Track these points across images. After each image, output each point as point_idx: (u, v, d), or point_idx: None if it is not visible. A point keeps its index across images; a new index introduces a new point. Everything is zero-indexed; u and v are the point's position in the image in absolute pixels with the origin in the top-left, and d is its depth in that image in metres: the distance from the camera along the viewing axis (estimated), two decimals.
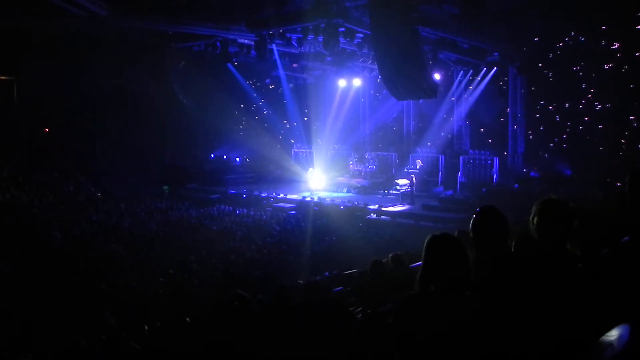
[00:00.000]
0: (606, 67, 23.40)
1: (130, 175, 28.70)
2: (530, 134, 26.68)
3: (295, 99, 32.21)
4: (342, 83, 30.48)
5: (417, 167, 27.66)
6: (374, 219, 23.03)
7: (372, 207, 23.95)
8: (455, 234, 3.55)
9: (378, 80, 26.65)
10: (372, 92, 32.51)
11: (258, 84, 33.08)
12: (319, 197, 26.28)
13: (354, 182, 28.41)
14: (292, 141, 34.19)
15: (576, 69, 24.33)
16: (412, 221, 21.96)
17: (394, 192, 26.19)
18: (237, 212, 23.77)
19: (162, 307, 10.68)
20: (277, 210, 24.84)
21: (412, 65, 17.12)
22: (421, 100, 26.80)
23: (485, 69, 26.10)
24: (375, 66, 21.35)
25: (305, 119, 33.11)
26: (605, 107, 23.53)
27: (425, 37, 21.08)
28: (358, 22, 20.45)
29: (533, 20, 22.22)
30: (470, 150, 27.79)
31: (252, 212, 23.48)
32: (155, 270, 14.79)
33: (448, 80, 27.52)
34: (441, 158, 28.05)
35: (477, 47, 23.86)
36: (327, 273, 12.92)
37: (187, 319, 6.02)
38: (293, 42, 22.98)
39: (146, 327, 7.42)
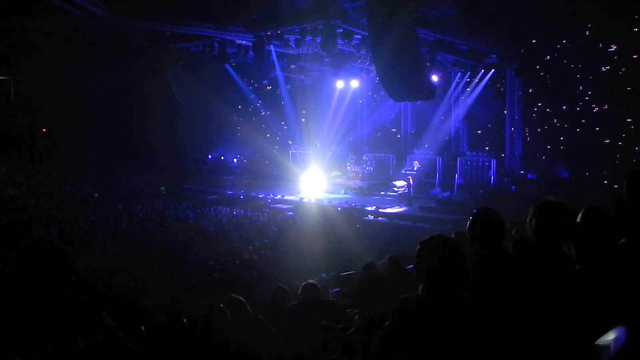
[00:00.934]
0: (604, 69, 23.47)
1: (128, 175, 28.69)
2: (527, 136, 26.74)
3: (292, 100, 32.19)
4: (339, 84, 30.47)
5: (415, 168, 27.70)
6: (372, 220, 23.05)
7: (369, 208, 23.97)
8: (453, 235, 3.55)
9: (376, 81, 26.65)
10: (369, 93, 32.56)
11: (256, 85, 33.09)
12: (316, 199, 26.26)
13: (352, 183, 28.43)
14: (290, 142, 34.18)
15: (574, 71, 24.39)
16: (409, 223, 21.97)
17: (391, 193, 26.21)
18: (235, 213, 23.74)
19: (159, 308, 10.66)
20: (274, 212, 24.83)
21: (410, 66, 17.11)
22: (419, 102, 26.82)
23: (483, 70, 26.12)
24: (373, 67, 21.33)
25: (303, 120, 33.10)
26: (602, 109, 23.58)
27: (423, 38, 21.10)
28: (356, 24, 20.46)
29: (531, 22, 22.26)
30: (468, 152, 27.81)
31: (249, 213, 23.45)
32: (152, 271, 14.75)
33: (446, 82, 27.53)
34: (439, 160, 28.07)
35: (475, 49, 23.91)
36: (324, 274, 12.92)
37: (184, 320, 6.01)
38: (291, 43, 22.98)
39: (143, 327, 7.41)
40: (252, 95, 32.80)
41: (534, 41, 24.71)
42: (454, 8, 20.39)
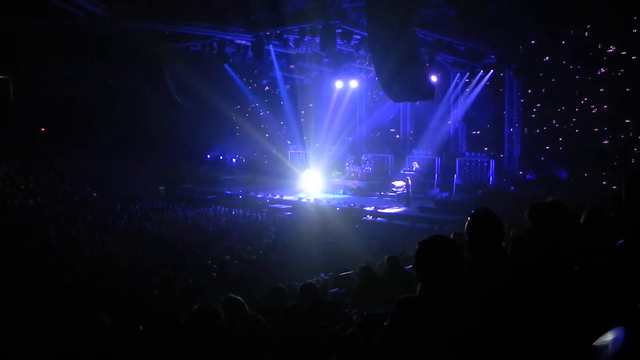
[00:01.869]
0: (602, 70, 23.48)
1: (127, 175, 28.67)
2: (526, 137, 26.73)
3: (292, 100, 32.18)
4: (338, 84, 30.46)
5: (413, 169, 27.72)
6: (370, 220, 23.05)
7: (368, 208, 23.97)
8: (451, 236, 3.55)
9: (375, 81, 26.66)
10: (368, 93, 32.58)
11: (255, 85, 33.09)
12: (315, 199, 26.26)
13: (350, 183, 28.43)
14: (289, 142, 34.16)
15: (572, 72, 24.41)
16: (408, 223, 21.99)
17: (390, 193, 26.21)
18: (233, 213, 23.75)
19: (157, 308, 10.65)
20: (273, 212, 24.85)
21: (409, 67, 17.10)
22: (418, 103, 26.85)
23: (482, 71, 26.13)
24: (372, 68, 21.34)
25: (302, 120, 33.08)
26: (601, 110, 23.60)
27: (422, 39, 21.11)
28: (355, 24, 20.47)
29: (530, 23, 22.28)
30: (467, 153, 27.84)
31: (248, 213, 23.47)
32: (151, 271, 14.74)
33: (445, 83, 27.56)
34: (437, 160, 28.08)
35: (474, 49, 23.93)
36: (322, 274, 12.92)
37: (182, 320, 6.00)
38: (290, 44, 22.99)
39: (141, 328, 7.40)
40: (251, 95, 32.81)
41: (532, 42, 24.73)
42: (453, 9, 20.40)
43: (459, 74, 26.99)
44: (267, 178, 32.20)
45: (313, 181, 29.14)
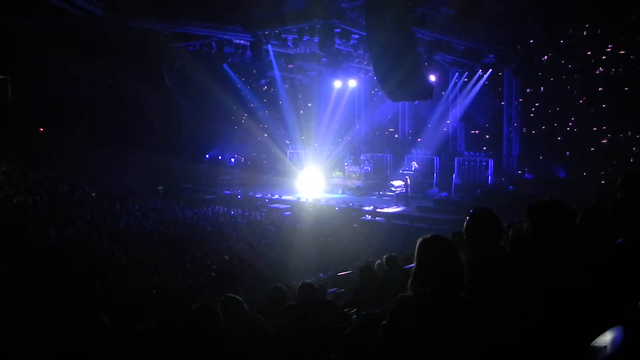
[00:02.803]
0: (601, 69, 23.49)
1: (125, 175, 28.65)
2: (525, 136, 26.73)
3: (290, 99, 32.18)
4: (337, 84, 30.43)
5: (412, 168, 27.71)
6: (369, 220, 23.05)
7: (367, 208, 23.99)
8: (450, 235, 3.55)
9: (374, 80, 26.64)
10: (367, 93, 32.52)
11: (253, 85, 33.07)
12: (313, 198, 26.27)
13: (349, 183, 28.41)
14: (287, 142, 34.12)
15: (571, 71, 24.41)
16: (406, 222, 21.98)
17: (389, 193, 26.21)
18: (232, 212, 23.75)
19: (156, 308, 10.67)
20: (271, 211, 24.84)
21: (408, 66, 17.08)
22: (416, 102, 26.85)
23: (480, 70, 26.11)
24: (371, 67, 21.34)
25: (301, 120, 33.07)
26: (599, 109, 23.61)
27: (421, 38, 21.12)
28: (354, 23, 20.47)
29: (528, 22, 22.29)
30: (465, 152, 27.83)
31: (246, 213, 23.46)
32: (150, 270, 14.75)
33: (444, 82, 27.55)
34: (436, 159, 28.08)
35: (473, 48, 23.93)
36: (321, 274, 12.95)
37: (182, 319, 6.00)
38: (289, 43, 22.99)
39: (142, 327, 7.41)
40: (250, 95, 32.81)
41: (531, 41, 24.72)
42: (452, 8, 20.39)
43: (457, 73, 26.95)
44: (265, 177, 32.20)
45: (312, 181, 29.15)
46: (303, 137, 32.68)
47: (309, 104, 32.80)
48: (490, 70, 26.18)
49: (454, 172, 26.95)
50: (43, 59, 25.18)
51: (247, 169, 34.90)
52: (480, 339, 2.75)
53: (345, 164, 29.66)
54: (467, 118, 28.48)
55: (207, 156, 36.52)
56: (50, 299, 11.36)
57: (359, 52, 23.29)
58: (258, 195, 28.13)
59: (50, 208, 23.84)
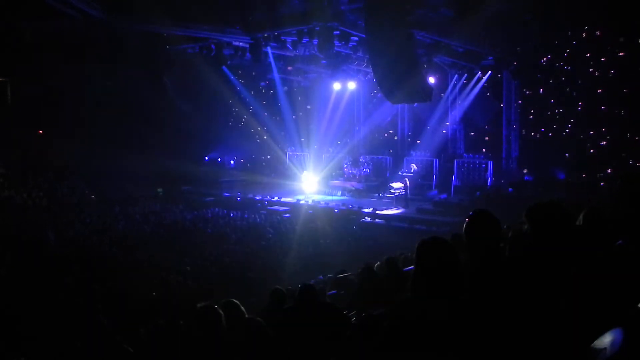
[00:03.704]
0: (600, 71, 23.51)
1: (125, 177, 28.62)
2: (524, 138, 26.74)
3: (289, 102, 32.20)
4: (336, 86, 30.44)
5: (412, 170, 27.73)
6: (368, 222, 23.06)
7: (366, 210, 23.98)
8: (450, 237, 3.55)
9: (373, 82, 26.65)
10: (366, 95, 32.52)
11: (253, 87, 33.05)
12: (313, 200, 26.28)
13: (349, 185, 28.43)
14: (287, 144, 34.15)
15: (570, 73, 24.43)
16: (406, 224, 21.99)
17: (388, 195, 26.20)
18: (231, 215, 23.73)
19: (155, 310, 10.65)
20: (271, 213, 24.83)
21: (407, 68, 17.11)
22: (416, 104, 26.86)
23: (479, 72, 26.12)
24: (370, 69, 21.36)
25: (300, 122, 33.07)
26: (599, 111, 23.62)
27: (420, 40, 21.13)
28: (353, 26, 20.48)
29: (528, 24, 22.29)
30: (465, 154, 27.85)
31: (246, 215, 23.45)
32: (149, 273, 14.74)
33: (443, 84, 27.55)
34: (435, 162, 28.09)
35: (472, 50, 23.93)
36: (321, 276, 12.93)
37: (181, 322, 6.00)
38: (288, 45, 22.98)
39: (142, 330, 7.39)
40: (249, 97, 32.78)
41: (530, 43, 24.72)
42: (451, 10, 20.41)
43: (456, 75, 26.94)
44: (265, 180, 32.20)
45: (311, 183, 29.18)
46: (302, 139, 32.69)
47: (309, 106, 32.79)
48: (490, 72, 26.19)
49: (453, 174, 26.97)
50: (41, 61, 25.16)
51: (247, 171, 34.90)
52: (480, 341, 2.75)
53: (345, 166, 29.69)
54: (467, 120, 28.51)
55: (206, 158, 36.48)
56: (49, 301, 11.34)
57: (358, 54, 23.27)
58: (257, 197, 28.12)
59: (49, 210, 23.83)
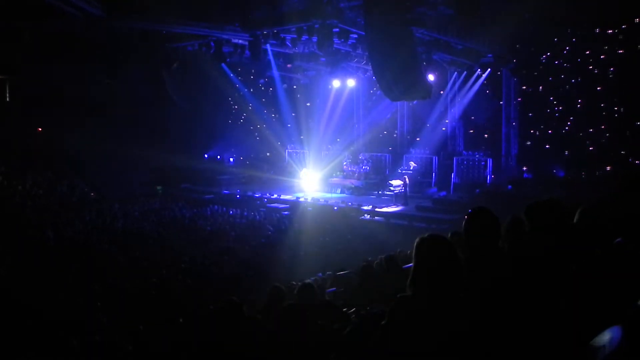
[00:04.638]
0: (600, 68, 23.50)
1: (124, 175, 28.64)
2: (523, 136, 26.74)
3: (289, 99, 32.16)
4: (336, 84, 30.43)
5: (411, 168, 27.68)
6: (368, 219, 23.04)
7: (365, 207, 23.96)
8: (449, 235, 3.55)
9: (373, 80, 26.64)
10: (366, 92, 32.50)
11: (252, 85, 33.04)
12: (312, 198, 26.26)
13: (348, 182, 28.41)
14: (286, 141, 34.13)
15: (570, 70, 24.43)
16: (405, 222, 21.98)
17: (387, 193, 26.17)
18: (231, 212, 23.74)
19: (155, 308, 10.65)
20: (270, 211, 24.81)
21: (406, 66, 17.12)
22: (415, 102, 26.85)
23: (479, 70, 26.11)
24: (370, 67, 21.35)
25: (299, 119, 33.05)
26: (598, 108, 23.62)
27: (419, 38, 21.11)
28: (352, 23, 20.46)
29: (527, 22, 22.27)
30: (464, 152, 27.83)
31: (245, 213, 23.45)
32: (148, 271, 14.73)
33: (442, 81, 27.51)
34: (435, 159, 28.09)
35: (471, 48, 23.90)
36: (320, 274, 12.91)
37: (180, 320, 6.01)
38: (287, 43, 22.95)
39: (141, 327, 7.41)
40: (249, 95, 32.75)
41: (529, 41, 24.72)
42: (450, 7, 20.40)
43: (456, 72, 26.91)
44: (264, 177, 32.20)
45: (310, 180, 29.16)
46: (302, 137, 32.69)
47: (308, 104, 32.76)
48: (489, 69, 26.20)
49: (452, 172, 26.97)
50: (41, 59, 25.14)
51: (246, 169, 34.86)
52: (481, 338, 2.75)
53: (344, 163, 29.65)
54: (466, 117, 28.50)
55: (205, 156, 36.47)
56: (48, 299, 11.33)
57: (357, 51, 23.26)
58: (257, 195, 28.12)
59: (49, 208, 23.82)
